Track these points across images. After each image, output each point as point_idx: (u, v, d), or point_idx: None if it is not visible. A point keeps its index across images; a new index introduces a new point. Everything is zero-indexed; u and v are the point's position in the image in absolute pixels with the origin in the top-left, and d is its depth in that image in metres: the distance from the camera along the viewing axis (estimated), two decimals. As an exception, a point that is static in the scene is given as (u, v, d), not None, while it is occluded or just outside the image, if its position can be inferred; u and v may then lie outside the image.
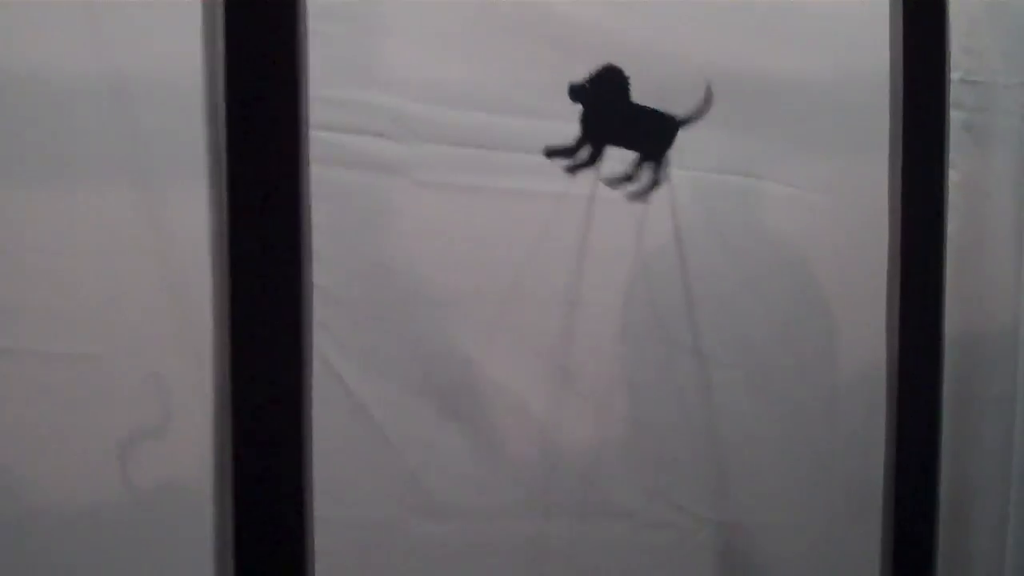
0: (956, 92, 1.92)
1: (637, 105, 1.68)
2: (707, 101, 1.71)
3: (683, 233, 1.73)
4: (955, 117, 1.92)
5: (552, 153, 1.63)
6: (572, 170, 1.65)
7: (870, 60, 1.85)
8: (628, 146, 1.69)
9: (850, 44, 1.83)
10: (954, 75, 1.92)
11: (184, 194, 1.40)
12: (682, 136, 1.71)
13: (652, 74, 1.67)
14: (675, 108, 1.70)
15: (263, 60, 1.41)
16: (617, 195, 1.67)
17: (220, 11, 1.37)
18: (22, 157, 1.32)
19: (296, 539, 1.46)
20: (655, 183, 1.70)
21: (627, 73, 1.65)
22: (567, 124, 1.64)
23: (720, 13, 1.72)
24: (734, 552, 1.81)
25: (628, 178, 1.69)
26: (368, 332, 1.52)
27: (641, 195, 1.70)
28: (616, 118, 1.67)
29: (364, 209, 1.50)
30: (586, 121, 1.64)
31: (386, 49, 1.51)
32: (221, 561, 1.44)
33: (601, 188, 1.65)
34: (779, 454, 1.82)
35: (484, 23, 1.57)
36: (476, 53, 1.57)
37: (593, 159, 1.66)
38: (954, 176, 1.93)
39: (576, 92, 1.63)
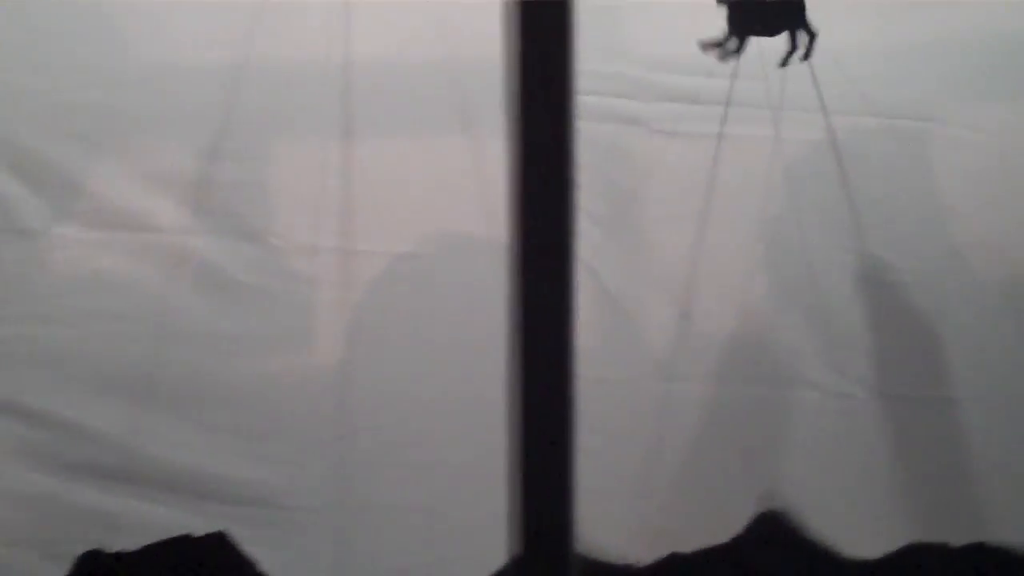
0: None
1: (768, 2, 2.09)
2: None
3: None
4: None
5: (705, 47, 2.07)
6: (723, 59, 2.08)
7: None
8: (766, 34, 2.09)
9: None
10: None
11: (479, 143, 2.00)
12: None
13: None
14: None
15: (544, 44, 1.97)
16: (800, 136, 2.12)
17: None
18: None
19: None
20: (739, 49, 2.10)
21: None
22: (778, 84, 2.10)
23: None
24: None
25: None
26: (621, 242, 2.06)
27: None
28: (754, 15, 2.08)
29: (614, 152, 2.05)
30: (731, 20, 2.07)
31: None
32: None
33: (795, 127, 2.10)
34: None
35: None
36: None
37: (739, 49, 2.09)
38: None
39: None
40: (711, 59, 2.06)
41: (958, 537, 2.23)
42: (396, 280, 2.03)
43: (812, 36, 2.08)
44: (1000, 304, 2.22)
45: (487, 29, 1.93)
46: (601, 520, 2.08)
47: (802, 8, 2.08)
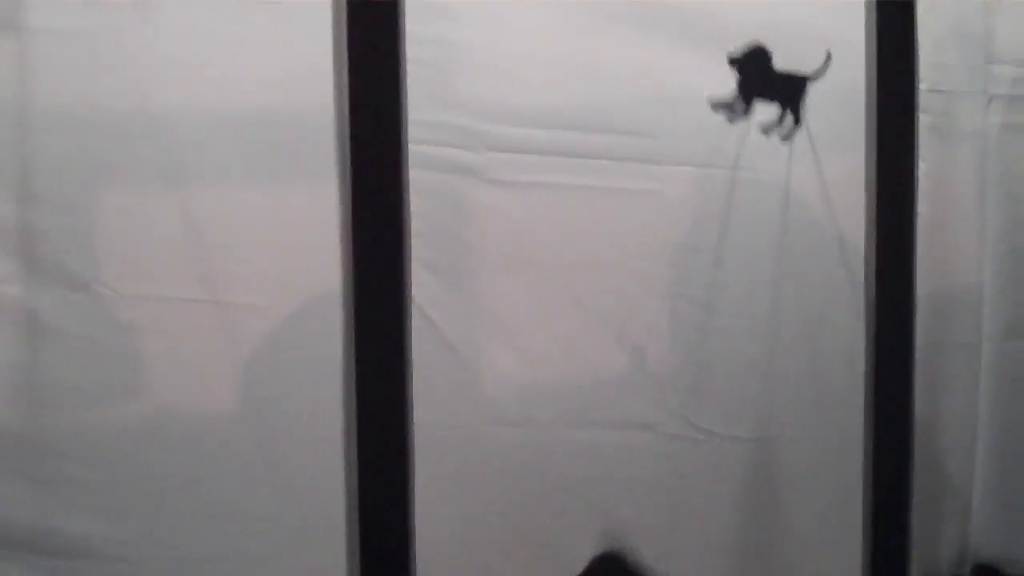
0: (924, 100, 2.38)
1: (778, 71, 2.19)
2: (826, 64, 2.22)
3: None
4: (923, 120, 2.38)
5: (715, 106, 2.16)
6: (731, 120, 2.17)
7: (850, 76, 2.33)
8: (771, 100, 2.20)
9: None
10: (922, 86, 2.37)
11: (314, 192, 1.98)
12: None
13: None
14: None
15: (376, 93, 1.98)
16: (639, 186, 2.18)
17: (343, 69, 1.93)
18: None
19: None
20: (797, 125, 2.22)
21: (769, 49, 2.18)
22: (607, 136, 2.16)
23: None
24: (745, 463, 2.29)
25: (778, 123, 2.21)
26: (456, 290, 2.08)
27: (788, 136, 2.23)
28: (762, 81, 2.17)
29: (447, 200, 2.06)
30: (741, 84, 2.17)
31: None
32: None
33: (623, 177, 2.16)
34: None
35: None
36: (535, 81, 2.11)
37: (746, 111, 2.18)
38: (923, 167, 2.39)
39: (733, 62, 2.15)
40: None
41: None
42: (223, 329, 2.00)
43: (797, 121, 2.21)
44: (824, 343, 2.30)
45: (183, 76, 1.98)
46: (440, 564, 2.09)
47: (803, 88, 2.21)
